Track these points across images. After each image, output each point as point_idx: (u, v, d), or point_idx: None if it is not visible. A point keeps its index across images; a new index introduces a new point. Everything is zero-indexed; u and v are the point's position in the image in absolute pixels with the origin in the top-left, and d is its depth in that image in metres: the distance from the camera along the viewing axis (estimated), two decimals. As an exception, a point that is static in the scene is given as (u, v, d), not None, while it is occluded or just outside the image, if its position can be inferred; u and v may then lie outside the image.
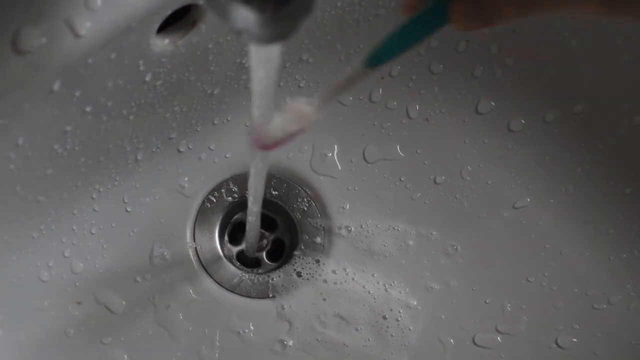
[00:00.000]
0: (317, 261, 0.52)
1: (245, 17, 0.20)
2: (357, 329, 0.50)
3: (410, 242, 0.52)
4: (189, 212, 0.52)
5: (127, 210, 0.50)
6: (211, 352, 0.49)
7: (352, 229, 0.52)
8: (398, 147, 0.54)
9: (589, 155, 0.51)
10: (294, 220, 0.53)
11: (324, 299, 0.51)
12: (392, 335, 0.50)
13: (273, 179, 0.53)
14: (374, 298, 0.51)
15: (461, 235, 0.53)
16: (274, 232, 0.55)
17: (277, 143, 0.29)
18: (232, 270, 0.52)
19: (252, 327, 0.50)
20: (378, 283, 0.51)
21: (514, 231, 0.53)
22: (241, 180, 0.53)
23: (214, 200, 0.52)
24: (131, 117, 0.41)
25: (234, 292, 0.51)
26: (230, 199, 0.53)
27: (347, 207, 0.53)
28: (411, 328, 0.50)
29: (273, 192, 0.53)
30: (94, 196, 0.48)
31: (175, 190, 0.51)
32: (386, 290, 0.51)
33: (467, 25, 0.24)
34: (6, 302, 0.46)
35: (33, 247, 0.46)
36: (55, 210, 0.45)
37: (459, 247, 0.52)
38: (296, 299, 0.51)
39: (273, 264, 0.53)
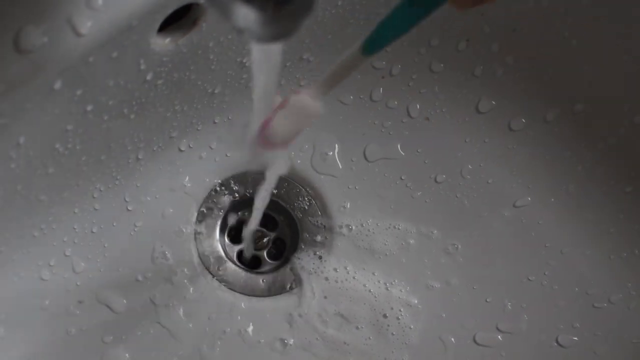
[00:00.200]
0: (319, 259, 0.52)
1: (247, 15, 0.20)
2: (357, 328, 0.50)
3: (411, 241, 0.52)
4: (190, 211, 0.52)
5: (128, 209, 0.50)
6: (212, 351, 0.49)
7: (353, 227, 0.52)
8: (399, 146, 0.54)
9: (590, 155, 0.51)
10: (294, 219, 0.53)
11: (325, 297, 0.51)
12: (392, 334, 0.50)
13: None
14: (375, 296, 0.51)
15: (462, 234, 0.53)
16: (274, 231, 0.55)
17: (284, 141, 0.29)
18: (233, 269, 0.52)
19: (253, 326, 0.50)
20: (379, 282, 0.51)
21: (514, 230, 0.53)
22: (242, 179, 0.53)
23: (215, 199, 0.52)
24: (132, 116, 0.41)
25: (235, 291, 0.51)
26: (231, 197, 0.53)
27: (348, 205, 0.53)
28: (412, 327, 0.51)
29: (274, 191, 0.53)
30: (95, 195, 0.48)
31: (177, 189, 0.51)
32: (387, 288, 0.51)
33: (463, 3, 0.23)
34: (7, 301, 0.46)
35: (34, 246, 0.46)
36: (57, 209, 0.45)
37: (460, 246, 0.52)
38: (297, 298, 0.51)
39: (274, 263, 0.54)
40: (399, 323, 0.50)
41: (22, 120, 0.34)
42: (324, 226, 0.53)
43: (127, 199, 0.50)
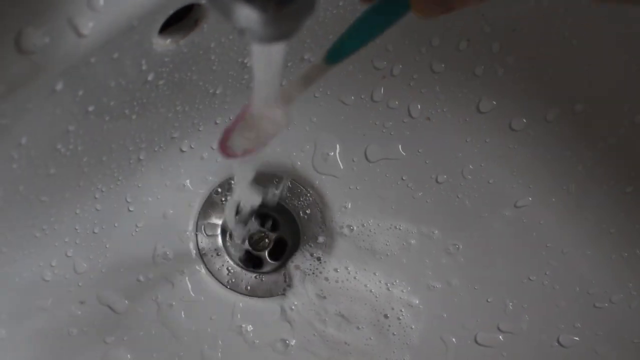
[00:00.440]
0: (319, 259, 0.52)
1: (248, 16, 0.20)
2: (358, 328, 0.50)
3: (412, 241, 0.52)
4: (192, 211, 0.52)
5: (129, 210, 0.50)
6: (214, 351, 0.49)
7: (354, 228, 0.53)
8: (400, 147, 0.54)
9: (590, 154, 0.51)
10: (295, 219, 0.53)
11: (326, 298, 0.51)
12: (393, 334, 0.50)
13: (275, 178, 0.53)
14: (376, 297, 0.51)
15: (463, 234, 0.53)
16: (276, 231, 0.55)
17: (245, 152, 0.28)
18: (235, 270, 0.52)
19: (254, 326, 0.50)
20: (380, 282, 0.51)
21: (515, 230, 0.53)
22: (243, 179, 0.53)
23: (217, 200, 0.52)
24: (133, 117, 0.41)
25: (236, 291, 0.51)
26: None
27: (349, 206, 0.53)
28: (413, 327, 0.51)
29: (275, 192, 0.53)
30: (97, 196, 0.48)
31: (178, 189, 0.52)
32: (388, 289, 0.51)
33: (428, 11, 0.23)
34: (9, 301, 0.46)
35: (36, 246, 0.46)
36: (58, 210, 0.45)
37: (461, 246, 0.52)
38: (298, 298, 0.51)
39: (275, 263, 0.54)
40: (400, 323, 0.51)
41: (24, 121, 0.34)
42: (325, 226, 0.53)
43: (128, 200, 0.50)
